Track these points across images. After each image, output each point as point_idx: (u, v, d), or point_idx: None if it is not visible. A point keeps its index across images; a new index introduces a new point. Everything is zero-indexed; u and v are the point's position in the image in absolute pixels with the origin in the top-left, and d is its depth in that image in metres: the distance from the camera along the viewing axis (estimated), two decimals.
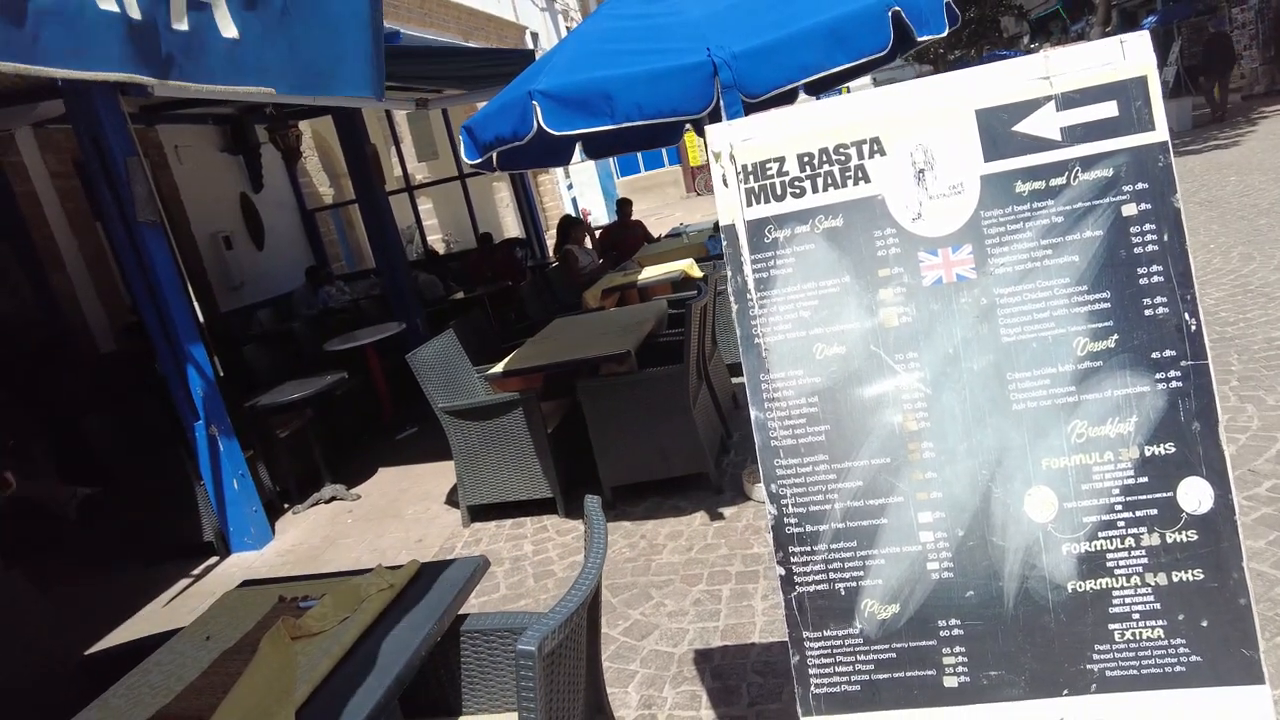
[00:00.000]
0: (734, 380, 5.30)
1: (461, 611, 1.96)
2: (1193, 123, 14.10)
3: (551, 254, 10.48)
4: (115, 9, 1.14)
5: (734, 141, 1.65)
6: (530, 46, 16.12)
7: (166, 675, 1.80)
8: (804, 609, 1.63)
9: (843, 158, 1.61)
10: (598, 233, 10.30)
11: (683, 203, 23.82)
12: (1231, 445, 3.40)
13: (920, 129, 1.59)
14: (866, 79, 7.51)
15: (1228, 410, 3.70)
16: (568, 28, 19.68)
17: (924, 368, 1.58)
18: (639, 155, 24.71)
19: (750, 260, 1.65)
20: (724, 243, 1.66)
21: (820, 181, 1.62)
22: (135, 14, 1.17)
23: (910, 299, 1.59)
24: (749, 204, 1.65)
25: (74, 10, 1.05)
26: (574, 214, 16.12)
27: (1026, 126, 1.55)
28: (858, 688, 1.61)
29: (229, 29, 1.27)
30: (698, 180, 25.12)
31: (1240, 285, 5.41)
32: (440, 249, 13.00)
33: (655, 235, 9.76)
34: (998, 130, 1.56)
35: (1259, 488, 3.07)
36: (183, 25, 1.24)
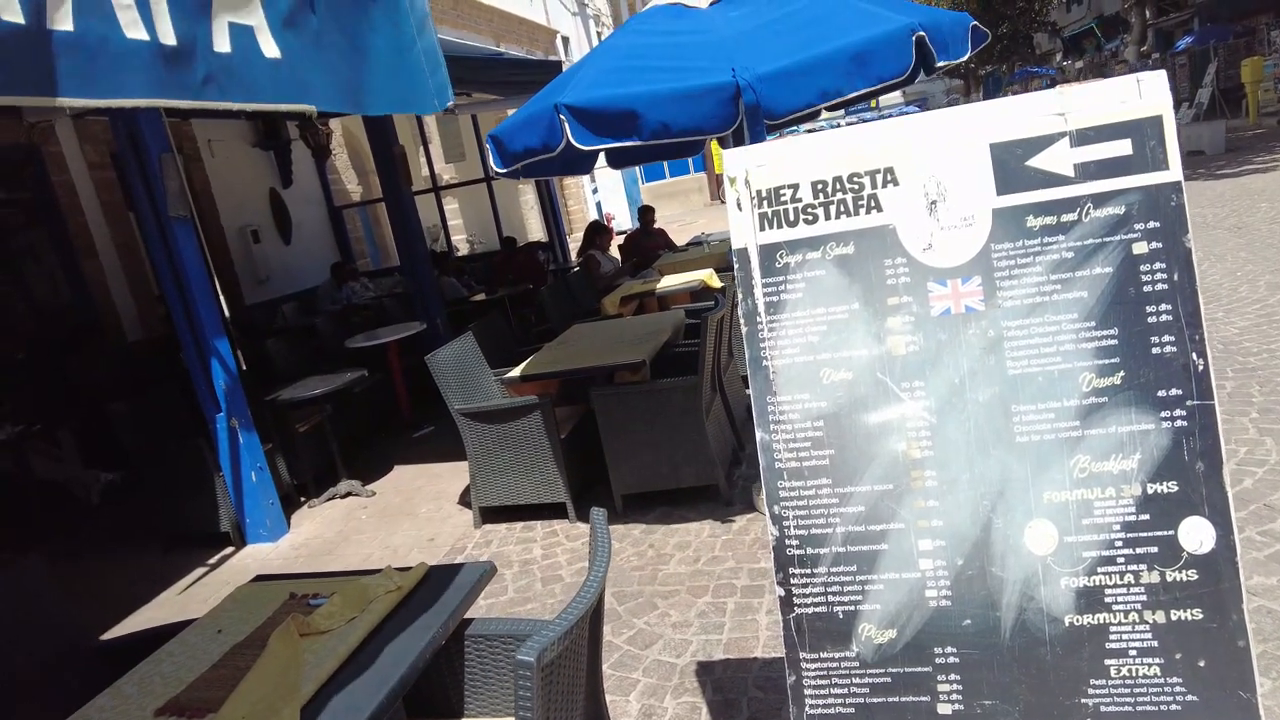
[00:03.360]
0: (748, 392, 5.31)
1: (468, 615, 2.00)
2: (1226, 145, 13.92)
3: (575, 258, 10.54)
4: (145, 38, 1.19)
5: (749, 167, 1.67)
6: (561, 51, 16.24)
7: (178, 666, 1.85)
8: (802, 630, 1.65)
9: (856, 186, 1.64)
10: (620, 239, 10.35)
11: (706, 210, 23.83)
12: (1248, 479, 3.36)
13: (934, 160, 1.61)
14: (896, 93, 7.52)
15: (1246, 443, 3.66)
16: (599, 34, 19.78)
17: (929, 397, 1.60)
18: (664, 162, 24.75)
19: (761, 284, 1.67)
20: (735, 265, 1.69)
21: (833, 209, 1.65)
22: (170, 40, 1.21)
23: (918, 328, 1.61)
24: (762, 228, 1.67)
25: (95, 42, 1.10)
26: (599, 218, 16.22)
27: (1040, 161, 1.57)
28: (852, 710, 1.62)
29: (271, 50, 1.32)
30: (722, 188, 25.12)
31: (1266, 315, 5.35)
32: (463, 249, 13.12)
33: (677, 243, 9.79)
34: (1011, 164, 1.58)
35: (1274, 523, 3.04)
36: (225, 47, 1.29)
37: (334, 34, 1.45)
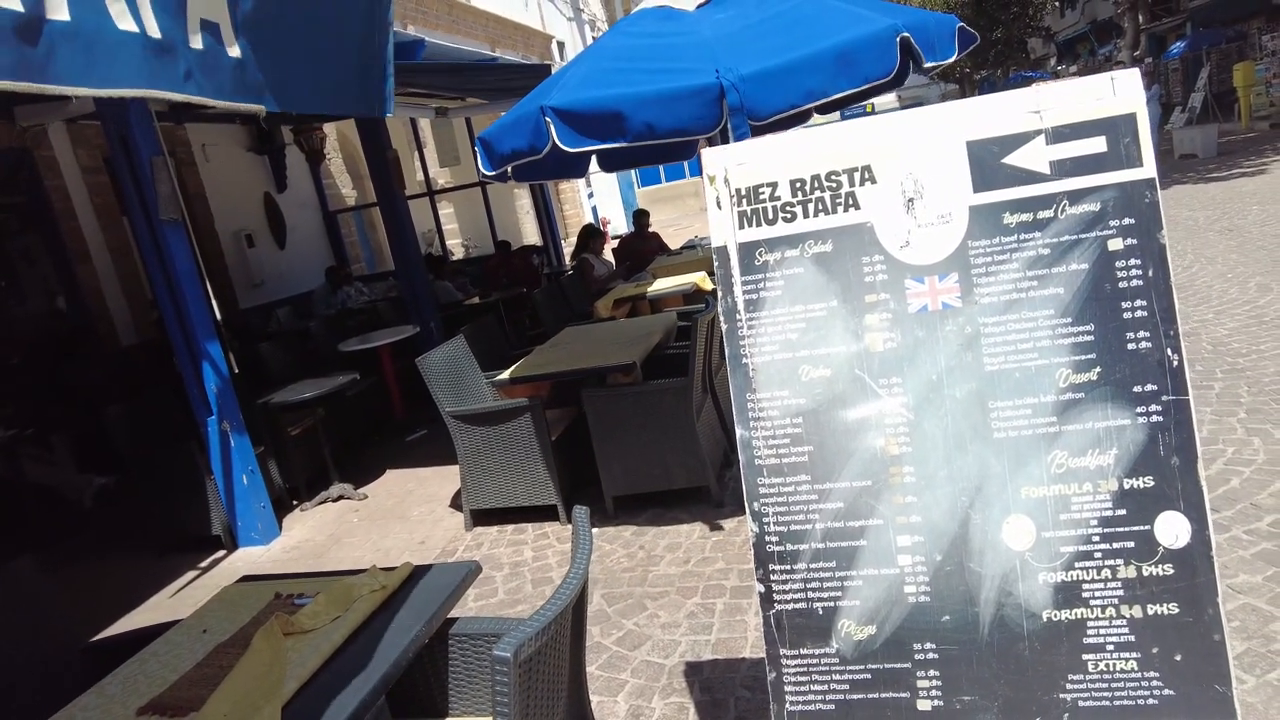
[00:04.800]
0: None
1: (457, 615, 2.01)
2: (1218, 149, 13.98)
3: (569, 261, 10.56)
4: (135, 29, 1.20)
5: (728, 165, 1.68)
6: (557, 56, 16.27)
7: (162, 665, 1.85)
8: (782, 627, 1.65)
9: (834, 184, 1.65)
10: (614, 243, 10.38)
11: (701, 214, 23.84)
12: (1235, 478, 3.38)
13: (911, 158, 1.62)
14: (891, 97, 7.57)
15: (1233, 443, 3.68)
16: (594, 37, 19.83)
17: (907, 393, 1.61)
18: (659, 166, 24.77)
19: (740, 282, 1.68)
20: (715, 264, 1.70)
21: (811, 207, 1.66)
22: (155, 33, 1.23)
23: (896, 325, 1.62)
24: (741, 227, 1.68)
25: (91, 31, 1.11)
26: (594, 222, 16.25)
27: (1016, 159, 1.58)
28: (832, 707, 1.63)
29: (234, 49, 1.34)
30: None
31: (1255, 316, 5.37)
32: (458, 253, 13.13)
33: (671, 247, 9.82)
34: (987, 162, 1.59)
35: (1260, 522, 3.05)
36: (198, 44, 1.31)
37: (296, 36, 1.47)
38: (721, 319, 1.69)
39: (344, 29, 1.61)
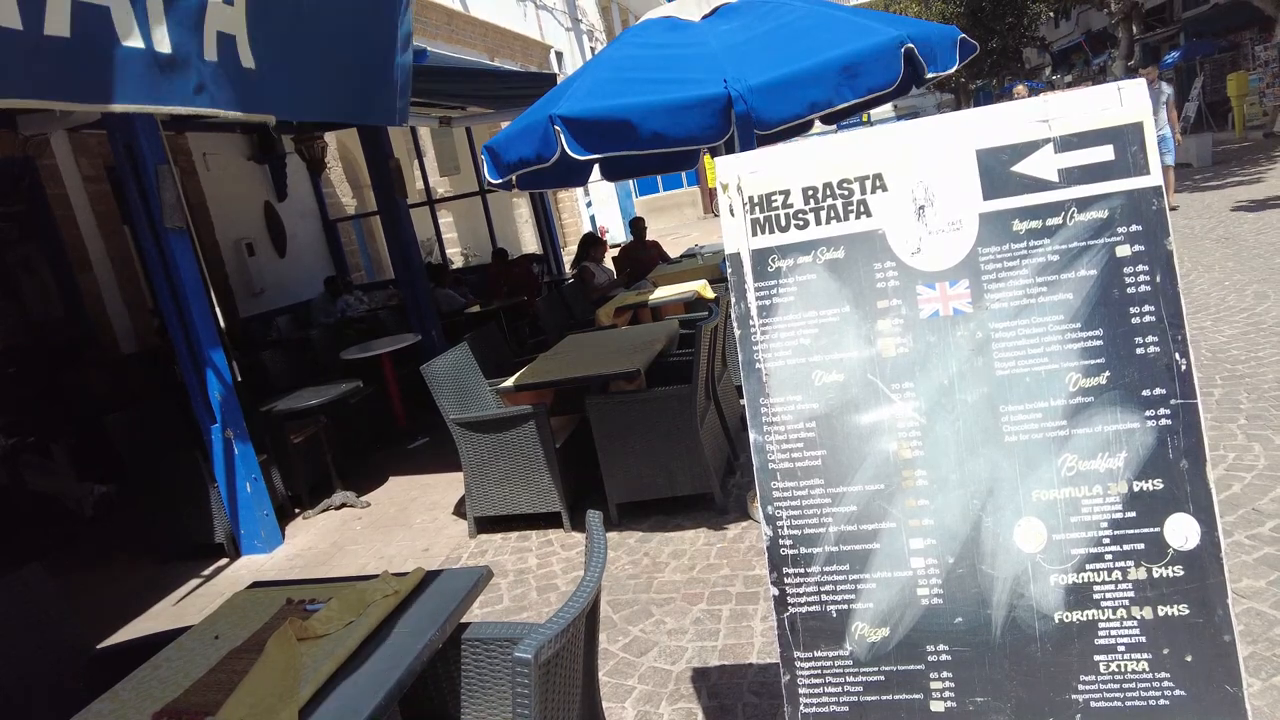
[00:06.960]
0: (742, 402, 5.33)
1: (463, 621, 2.01)
2: (1213, 158, 14.08)
3: (569, 270, 10.59)
4: (140, 45, 1.22)
5: (742, 173, 1.71)
6: (555, 66, 16.35)
7: (175, 671, 1.86)
8: (796, 629, 1.66)
9: (846, 192, 1.67)
10: (614, 251, 10.40)
11: (700, 223, 23.92)
12: (1237, 484, 3.40)
13: (922, 167, 1.64)
14: (888, 106, 7.61)
15: (1234, 449, 3.70)
16: (592, 48, 19.93)
17: (919, 397, 1.63)
18: (658, 175, 24.83)
19: (754, 288, 1.70)
20: (729, 270, 1.72)
21: (823, 214, 1.68)
22: (165, 49, 1.25)
23: (907, 330, 1.64)
24: (754, 234, 1.71)
25: (95, 48, 1.13)
26: (593, 230, 16.29)
27: (1025, 167, 1.61)
28: (846, 709, 1.64)
29: (248, 60, 1.36)
30: (715, 201, 25.20)
31: (1253, 323, 5.40)
32: (458, 262, 13.16)
33: (671, 255, 9.84)
34: (997, 170, 1.62)
35: (1262, 527, 3.07)
36: (212, 56, 1.33)
37: (315, 47, 1.49)
38: (735, 325, 1.71)
39: (369, 42, 1.63)
